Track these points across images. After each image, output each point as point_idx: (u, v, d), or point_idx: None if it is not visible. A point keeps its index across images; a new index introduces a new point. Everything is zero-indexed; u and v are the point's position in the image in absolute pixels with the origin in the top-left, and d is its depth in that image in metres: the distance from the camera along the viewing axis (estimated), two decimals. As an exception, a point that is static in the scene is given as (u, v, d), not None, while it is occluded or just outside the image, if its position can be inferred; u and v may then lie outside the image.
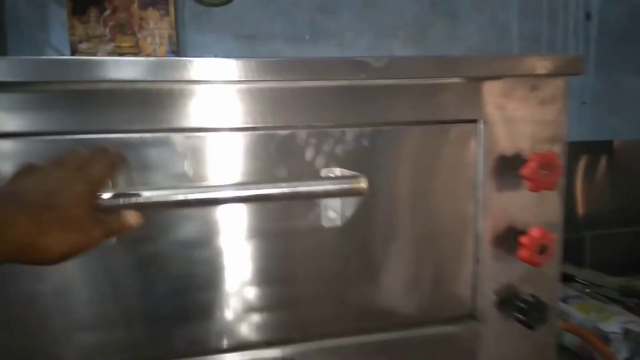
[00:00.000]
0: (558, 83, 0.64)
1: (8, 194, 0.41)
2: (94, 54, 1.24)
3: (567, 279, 1.19)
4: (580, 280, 1.17)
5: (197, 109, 0.55)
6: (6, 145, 0.51)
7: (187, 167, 0.55)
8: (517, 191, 0.65)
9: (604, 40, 1.55)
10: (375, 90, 0.59)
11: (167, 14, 1.26)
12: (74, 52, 1.22)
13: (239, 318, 0.59)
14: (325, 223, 0.59)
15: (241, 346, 0.60)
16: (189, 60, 0.52)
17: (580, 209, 1.43)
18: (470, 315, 0.67)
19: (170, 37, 1.27)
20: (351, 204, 0.58)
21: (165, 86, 0.53)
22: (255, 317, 0.60)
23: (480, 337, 0.67)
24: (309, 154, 0.57)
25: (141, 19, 1.27)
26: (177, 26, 1.27)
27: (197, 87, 0.54)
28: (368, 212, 0.60)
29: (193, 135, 0.55)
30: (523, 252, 0.63)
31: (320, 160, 0.58)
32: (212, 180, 0.55)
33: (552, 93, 0.64)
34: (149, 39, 1.28)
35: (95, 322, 0.56)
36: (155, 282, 0.56)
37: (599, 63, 1.51)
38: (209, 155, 0.56)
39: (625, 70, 1.55)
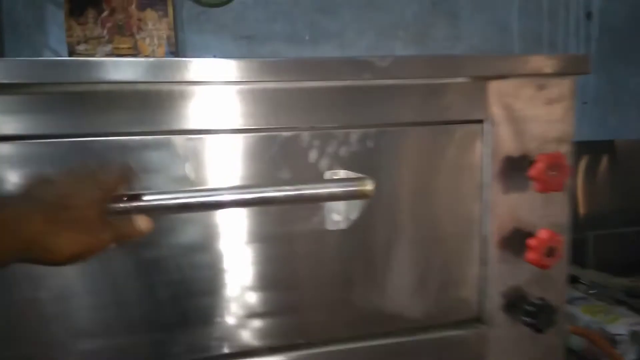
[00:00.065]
0: (565, 82, 0.63)
1: (23, 195, 0.41)
2: (92, 56, 1.22)
3: (571, 280, 1.18)
4: (584, 282, 1.16)
5: (197, 111, 0.53)
6: (3, 148, 0.50)
7: (188, 170, 0.54)
8: (524, 192, 0.64)
9: (605, 39, 1.54)
10: (379, 90, 0.57)
11: (166, 14, 1.25)
12: (71, 53, 1.21)
13: (242, 323, 0.58)
14: (330, 226, 0.57)
15: (244, 352, 0.58)
16: (189, 61, 0.51)
17: (582, 209, 1.42)
18: (478, 319, 0.66)
19: (168, 38, 1.26)
20: (356, 206, 0.57)
21: (165, 87, 0.52)
22: (258, 323, 0.59)
23: (488, 341, 0.66)
24: (312, 155, 0.56)
25: (139, 20, 1.25)
26: (176, 27, 1.25)
27: (197, 88, 0.53)
28: (373, 214, 0.59)
29: (194, 138, 0.54)
30: (531, 255, 0.61)
31: (324, 162, 0.57)
32: (214, 183, 0.54)
33: (559, 92, 0.63)
34: (147, 40, 1.27)
35: (95, 328, 0.55)
36: (156, 287, 0.55)
37: (599, 62, 1.50)
38: (211, 158, 0.55)
39: (626, 70, 1.55)
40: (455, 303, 0.65)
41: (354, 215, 0.56)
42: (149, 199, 0.46)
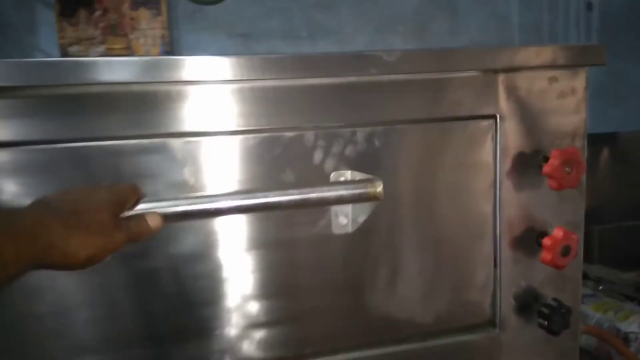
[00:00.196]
0: (578, 74, 0.60)
1: (41, 203, 0.43)
2: (85, 57, 1.19)
3: (579, 276, 1.16)
4: (592, 278, 1.14)
5: (196, 111, 0.51)
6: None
7: (187, 174, 0.51)
8: (537, 190, 0.61)
9: (606, 30, 1.52)
10: (386, 86, 0.55)
11: (160, 13, 1.22)
12: (64, 55, 1.18)
13: (244, 334, 0.55)
14: (336, 230, 0.55)
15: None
16: (185, 59, 0.48)
17: (586, 203, 1.40)
18: (490, 323, 0.64)
19: (163, 37, 1.23)
20: (364, 208, 0.54)
21: (161, 87, 0.50)
22: (261, 333, 0.56)
23: (501, 345, 0.64)
24: (317, 156, 0.54)
25: (133, 19, 1.23)
26: (170, 26, 1.23)
27: (195, 87, 0.50)
28: (380, 216, 0.56)
29: (193, 140, 0.51)
30: (546, 255, 0.59)
31: (329, 163, 0.54)
32: (214, 188, 0.51)
33: (572, 85, 0.61)
34: (141, 40, 1.24)
35: (93, 342, 0.52)
36: (154, 299, 0.53)
37: (601, 54, 1.48)
38: (211, 161, 0.52)
39: (627, 61, 1.53)
40: (466, 307, 0.63)
41: (362, 218, 0.54)
42: (147, 207, 0.44)
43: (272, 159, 0.53)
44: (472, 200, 0.61)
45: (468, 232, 0.61)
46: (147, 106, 0.49)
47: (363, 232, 0.56)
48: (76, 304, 0.51)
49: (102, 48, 1.22)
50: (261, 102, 0.52)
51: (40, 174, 0.49)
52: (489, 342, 0.63)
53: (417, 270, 0.60)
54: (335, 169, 0.54)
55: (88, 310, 0.52)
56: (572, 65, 0.59)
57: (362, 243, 0.57)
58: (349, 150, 0.54)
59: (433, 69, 0.55)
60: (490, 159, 0.60)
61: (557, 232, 0.59)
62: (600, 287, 1.10)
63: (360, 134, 0.55)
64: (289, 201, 0.46)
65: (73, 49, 1.20)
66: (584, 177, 0.61)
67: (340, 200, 0.48)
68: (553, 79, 0.60)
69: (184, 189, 0.51)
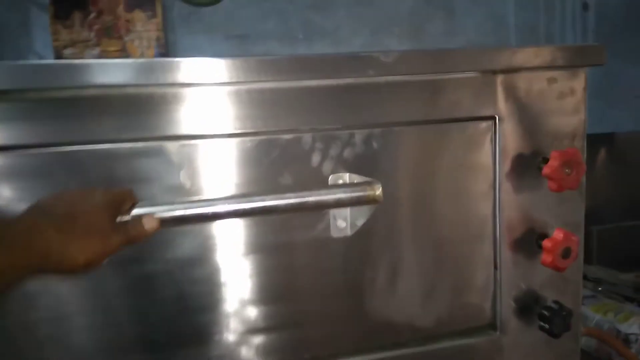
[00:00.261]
0: (577, 75, 0.60)
1: (34, 208, 0.42)
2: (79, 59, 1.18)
3: (578, 277, 1.15)
4: (591, 279, 1.14)
5: (192, 114, 0.50)
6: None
7: (183, 178, 0.50)
8: (536, 191, 0.61)
9: (602, 31, 1.52)
10: (384, 87, 0.54)
11: (155, 15, 1.21)
12: (58, 58, 1.17)
13: (242, 340, 0.55)
14: (335, 233, 0.54)
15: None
16: (181, 61, 0.47)
17: (585, 203, 1.40)
18: (490, 325, 0.63)
19: (158, 39, 1.22)
20: (362, 211, 0.54)
21: (156, 90, 0.49)
22: (260, 338, 0.55)
23: (501, 348, 0.63)
24: (315, 159, 0.53)
25: (128, 21, 1.22)
26: (166, 28, 1.22)
27: (191, 90, 0.50)
28: (379, 219, 0.56)
29: (189, 143, 0.50)
30: (547, 257, 0.58)
31: (327, 166, 0.53)
32: (211, 192, 0.51)
33: (571, 86, 0.60)
34: (136, 42, 1.23)
35: (90, 348, 0.51)
36: (151, 304, 0.52)
37: (597, 54, 1.48)
38: (207, 164, 0.51)
39: (624, 61, 1.52)
40: (466, 309, 0.62)
41: (360, 222, 0.53)
42: (143, 212, 0.44)
43: (270, 162, 0.52)
44: (471, 202, 0.60)
45: (468, 235, 0.61)
46: (143, 109, 0.49)
47: (362, 235, 0.56)
48: (73, 310, 0.51)
49: (96, 50, 1.21)
50: (258, 104, 0.51)
51: (34, 178, 0.48)
52: (490, 345, 0.63)
53: (417, 273, 0.59)
54: (334, 171, 0.53)
55: (85, 316, 0.51)
56: (571, 66, 0.58)
57: (361, 246, 0.57)
58: (347, 153, 0.54)
59: (431, 70, 0.55)
60: (489, 160, 0.59)
61: (558, 234, 0.59)
62: (600, 288, 1.09)
63: (359, 136, 0.54)
64: (287, 205, 0.45)
65: (67, 51, 1.19)
66: (583, 179, 0.60)
67: (338, 204, 0.48)
68: (552, 80, 0.59)
69: (180, 192, 0.50)
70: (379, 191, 0.46)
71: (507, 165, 0.59)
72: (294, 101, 0.52)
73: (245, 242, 0.53)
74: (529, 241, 0.62)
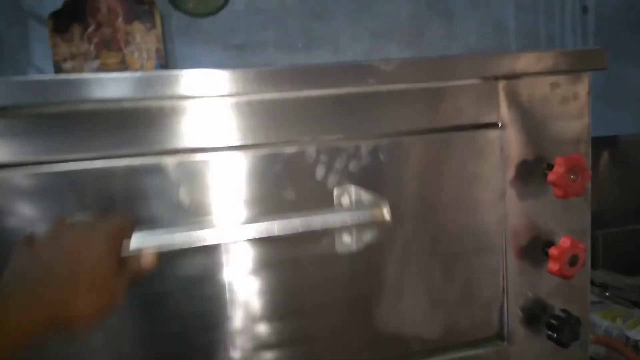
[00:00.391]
0: (580, 79, 0.59)
1: (23, 269, 0.40)
2: (79, 73, 1.18)
3: (584, 282, 1.14)
4: (598, 284, 1.13)
5: (191, 127, 0.49)
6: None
7: (182, 195, 0.49)
8: (541, 198, 0.60)
9: (602, 33, 1.51)
10: (385, 96, 0.53)
11: (154, 27, 1.21)
12: (58, 71, 1.17)
13: (251, 357, 0.53)
14: (340, 248, 0.53)
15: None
16: (182, 73, 0.46)
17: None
18: (497, 336, 0.62)
19: (158, 50, 1.22)
20: (368, 227, 0.52)
21: (154, 104, 0.48)
22: (269, 355, 0.54)
23: (509, 359, 0.62)
24: (319, 172, 0.52)
25: (127, 33, 1.22)
26: (165, 39, 1.22)
27: (191, 102, 0.49)
28: (384, 232, 0.54)
29: (188, 158, 0.49)
30: (553, 265, 0.57)
31: (332, 178, 0.52)
32: (213, 208, 0.50)
33: (574, 90, 0.59)
34: (136, 54, 1.23)
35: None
36: (160, 321, 0.51)
37: (598, 57, 1.47)
38: (207, 180, 0.50)
39: (625, 64, 1.52)
40: (473, 320, 0.61)
41: (365, 237, 0.52)
42: (143, 240, 0.43)
43: (273, 176, 0.51)
44: (476, 211, 0.59)
45: (474, 245, 0.60)
46: (140, 123, 0.48)
47: (367, 249, 0.55)
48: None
49: (96, 63, 1.21)
50: (259, 115, 0.50)
51: (32, 196, 0.47)
52: (497, 356, 0.62)
53: (424, 285, 0.58)
54: (339, 184, 0.52)
55: (93, 335, 0.49)
56: (573, 71, 0.58)
57: (367, 259, 0.55)
58: (351, 165, 0.53)
59: (432, 78, 0.54)
60: (493, 168, 0.58)
61: (564, 242, 0.58)
62: (607, 294, 1.08)
63: (363, 148, 0.53)
64: (292, 229, 0.44)
65: (67, 64, 1.19)
66: (589, 184, 0.59)
67: (344, 226, 0.47)
68: (555, 85, 0.58)
69: (178, 211, 0.49)
70: (386, 212, 0.45)
71: (511, 173, 0.59)
72: (295, 111, 0.51)
73: (250, 259, 0.52)
74: (535, 249, 0.61)
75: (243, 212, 0.51)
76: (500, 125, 0.58)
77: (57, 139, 0.46)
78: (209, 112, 0.50)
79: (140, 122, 0.48)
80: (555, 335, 0.61)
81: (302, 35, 1.28)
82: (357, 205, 0.50)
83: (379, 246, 0.55)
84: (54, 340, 0.47)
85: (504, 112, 0.57)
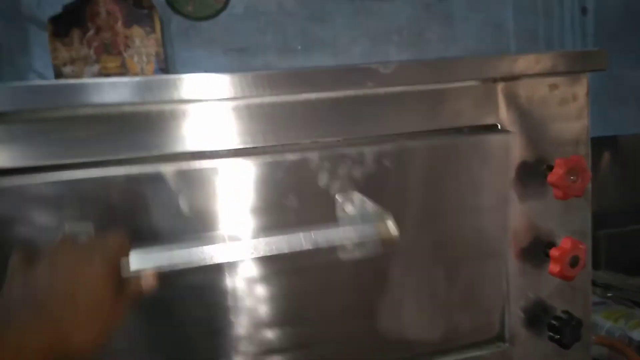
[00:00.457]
0: (579, 80, 0.59)
1: (16, 297, 0.38)
2: (79, 77, 1.19)
3: (586, 283, 1.14)
4: (600, 284, 1.12)
5: (190, 131, 0.49)
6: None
7: (182, 203, 0.48)
8: (542, 200, 0.60)
9: (601, 34, 1.51)
10: (384, 98, 0.53)
11: (153, 31, 1.21)
12: (58, 75, 1.17)
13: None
14: (343, 255, 0.52)
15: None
16: (183, 77, 0.46)
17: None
18: (499, 337, 0.62)
19: (157, 54, 1.22)
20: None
21: (154, 108, 0.48)
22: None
23: (511, 360, 0.62)
24: (322, 178, 0.51)
25: (126, 37, 1.22)
26: (165, 43, 1.22)
27: (189, 107, 0.49)
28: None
29: (188, 166, 0.49)
30: (554, 267, 0.57)
31: (334, 185, 0.51)
32: (213, 217, 0.49)
33: (573, 91, 0.59)
34: (135, 58, 1.23)
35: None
36: (164, 328, 0.50)
37: (598, 57, 1.47)
38: (207, 188, 0.49)
39: (624, 64, 1.52)
40: (475, 322, 0.61)
41: (370, 245, 0.50)
42: (141, 258, 0.41)
43: (274, 183, 0.50)
44: (476, 213, 0.59)
45: (477, 248, 0.59)
46: (138, 128, 0.48)
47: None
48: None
49: (96, 67, 1.22)
50: (257, 119, 0.50)
51: (37, 203, 0.46)
52: (499, 357, 0.62)
53: (426, 288, 0.58)
54: (341, 190, 0.51)
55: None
56: (572, 72, 0.58)
57: (369, 264, 0.55)
58: (354, 171, 0.52)
59: (430, 80, 0.54)
60: (493, 169, 0.58)
61: (565, 243, 0.58)
62: (609, 294, 1.07)
63: (367, 154, 0.52)
64: (294, 247, 0.43)
65: (67, 69, 1.19)
66: (589, 185, 0.59)
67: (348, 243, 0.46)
68: (553, 86, 0.58)
69: (177, 220, 0.48)
70: (392, 229, 0.44)
71: (511, 174, 0.58)
72: (293, 115, 0.51)
73: (253, 266, 0.52)
74: (536, 250, 0.61)
75: (245, 221, 0.51)
76: (499, 126, 0.58)
77: (57, 143, 0.46)
78: (208, 117, 0.50)
79: (140, 127, 0.48)
80: (556, 337, 0.61)
81: (301, 38, 1.28)
82: (361, 215, 0.48)
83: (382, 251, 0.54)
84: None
85: (503, 114, 0.57)
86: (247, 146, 0.50)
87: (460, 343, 0.60)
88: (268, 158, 0.50)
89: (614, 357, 0.87)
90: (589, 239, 0.62)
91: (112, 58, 1.22)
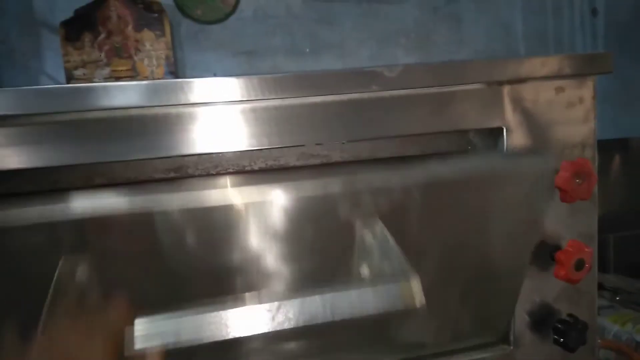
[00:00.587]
0: (585, 83, 0.59)
1: None
2: (91, 80, 1.20)
3: (595, 287, 1.13)
4: (609, 288, 1.11)
5: (198, 135, 0.50)
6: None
7: (189, 238, 0.46)
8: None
9: (612, 36, 1.50)
10: (389, 102, 0.54)
11: (163, 34, 1.23)
12: (69, 79, 1.19)
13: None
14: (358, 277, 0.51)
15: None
16: (194, 81, 0.47)
17: (599, 211, 1.37)
18: (503, 340, 0.62)
19: (167, 57, 1.23)
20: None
21: (162, 111, 0.49)
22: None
23: (516, 363, 0.62)
24: (342, 210, 0.49)
25: (137, 41, 1.23)
26: (174, 46, 1.23)
27: (196, 110, 0.50)
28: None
29: (191, 204, 0.45)
30: (559, 270, 0.57)
31: (354, 213, 0.49)
32: (220, 253, 0.47)
33: (580, 94, 0.59)
34: (146, 61, 1.24)
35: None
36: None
37: (608, 59, 1.46)
38: (214, 223, 0.47)
39: (636, 66, 1.51)
40: (480, 325, 0.61)
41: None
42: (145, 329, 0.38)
43: (292, 216, 0.48)
44: (504, 238, 0.57)
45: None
46: (150, 130, 0.49)
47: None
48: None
49: (107, 70, 1.23)
50: (263, 122, 0.51)
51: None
52: (504, 360, 0.62)
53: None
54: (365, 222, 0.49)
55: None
56: (578, 75, 0.58)
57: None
58: (374, 198, 0.49)
59: (435, 83, 0.54)
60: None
61: (571, 246, 0.58)
62: (618, 298, 1.07)
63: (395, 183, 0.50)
64: (314, 318, 0.41)
65: (78, 72, 1.21)
66: (595, 188, 0.59)
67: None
68: (559, 89, 0.58)
69: (180, 254, 0.46)
70: (417, 295, 0.41)
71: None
72: (299, 117, 0.52)
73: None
74: (542, 254, 0.60)
75: (262, 258, 0.48)
76: (505, 129, 0.58)
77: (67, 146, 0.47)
78: (215, 119, 0.50)
79: (149, 130, 0.49)
80: (562, 340, 0.60)
81: (309, 41, 1.29)
82: (385, 265, 0.45)
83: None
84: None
85: (509, 116, 0.57)
86: (253, 148, 0.51)
87: (464, 345, 0.60)
88: (285, 188, 0.47)
89: (622, 361, 0.86)
90: (595, 242, 0.62)
91: (122, 61, 1.23)
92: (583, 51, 1.48)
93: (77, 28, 1.19)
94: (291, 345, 0.54)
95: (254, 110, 0.51)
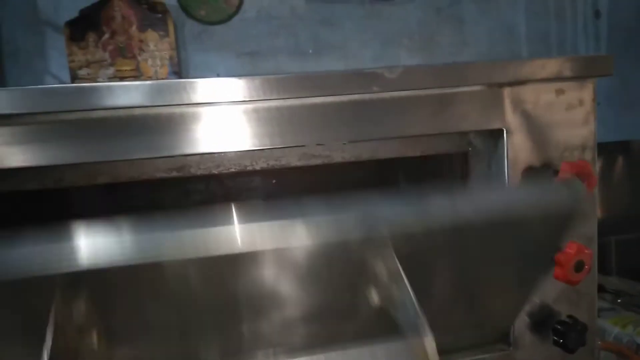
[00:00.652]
0: (586, 85, 0.59)
1: None
2: (95, 80, 1.21)
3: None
4: (610, 290, 1.11)
5: (200, 135, 0.50)
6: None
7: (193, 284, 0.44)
8: (547, 204, 0.60)
9: (614, 37, 1.50)
10: (390, 103, 0.54)
11: (167, 35, 1.23)
12: (74, 78, 1.20)
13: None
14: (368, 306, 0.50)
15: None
16: (198, 81, 0.48)
17: (601, 213, 1.38)
18: (503, 341, 0.62)
19: (171, 58, 1.24)
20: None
21: (165, 111, 0.49)
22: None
23: (516, 364, 0.62)
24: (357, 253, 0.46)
25: (141, 41, 1.24)
26: (178, 46, 1.24)
27: (199, 110, 0.50)
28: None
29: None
30: (559, 271, 0.57)
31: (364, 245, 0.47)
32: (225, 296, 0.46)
33: (580, 97, 0.60)
34: (149, 61, 1.25)
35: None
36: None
37: (611, 62, 1.46)
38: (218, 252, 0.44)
39: (638, 68, 1.51)
40: (480, 326, 0.61)
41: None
42: None
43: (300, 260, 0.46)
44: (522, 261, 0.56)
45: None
46: (153, 130, 0.49)
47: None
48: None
49: (111, 70, 1.24)
50: (266, 122, 0.51)
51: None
52: (503, 361, 0.62)
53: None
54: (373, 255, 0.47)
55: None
56: (578, 77, 0.58)
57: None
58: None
59: (436, 85, 0.55)
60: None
61: (570, 247, 0.58)
62: (619, 300, 1.07)
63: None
64: None
65: (83, 72, 1.21)
66: (595, 190, 0.59)
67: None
68: (560, 91, 0.59)
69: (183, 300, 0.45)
70: (432, 357, 0.40)
71: (517, 179, 0.59)
72: (300, 118, 0.52)
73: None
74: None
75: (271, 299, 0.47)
76: (505, 131, 0.58)
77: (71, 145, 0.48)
78: (218, 119, 0.51)
79: (152, 129, 0.49)
80: (561, 341, 0.61)
81: (312, 42, 1.30)
82: (399, 314, 0.44)
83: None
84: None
85: (509, 118, 0.58)
86: (255, 148, 0.51)
87: (463, 346, 0.61)
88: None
89: (623, 363, 0.86)
90: (595, 244, 0.62)
91: (126, 61, 1.24)
92: (586, 53, 1.48)
93: (81, 28, 1.20)
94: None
95: (256, 110, 0.51)
